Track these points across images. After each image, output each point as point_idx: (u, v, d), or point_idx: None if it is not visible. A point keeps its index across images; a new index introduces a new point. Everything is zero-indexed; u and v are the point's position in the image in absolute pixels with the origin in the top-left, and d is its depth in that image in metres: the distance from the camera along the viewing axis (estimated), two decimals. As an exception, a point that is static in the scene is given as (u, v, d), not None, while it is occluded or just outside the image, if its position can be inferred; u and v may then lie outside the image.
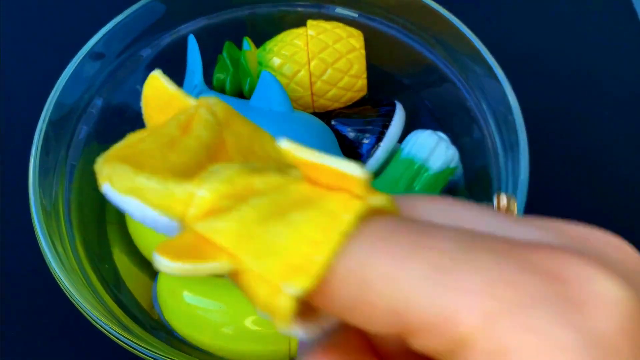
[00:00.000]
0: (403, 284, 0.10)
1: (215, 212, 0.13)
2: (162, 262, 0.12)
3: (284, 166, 0.14)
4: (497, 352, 0.10)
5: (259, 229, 0.12)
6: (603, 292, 0.10)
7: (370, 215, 0.11)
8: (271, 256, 0.11)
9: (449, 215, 0.12)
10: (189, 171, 0.14)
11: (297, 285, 0.11)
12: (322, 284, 0.11)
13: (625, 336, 0.10)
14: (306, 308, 0.12)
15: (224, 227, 0.12)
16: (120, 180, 0.14)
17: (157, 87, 0.17)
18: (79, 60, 0.39)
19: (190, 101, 0.17)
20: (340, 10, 0.44)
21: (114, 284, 0.37)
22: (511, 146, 0.36)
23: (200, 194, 0.13)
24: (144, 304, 0.37)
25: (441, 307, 0.10)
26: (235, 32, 0.44)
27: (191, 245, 0.12)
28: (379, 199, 0.12)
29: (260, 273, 0.11)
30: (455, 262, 0.10)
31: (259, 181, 0.13)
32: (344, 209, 0.11)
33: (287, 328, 0.11)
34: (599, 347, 0.09)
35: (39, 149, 0.36)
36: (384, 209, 0.12)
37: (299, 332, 0.12)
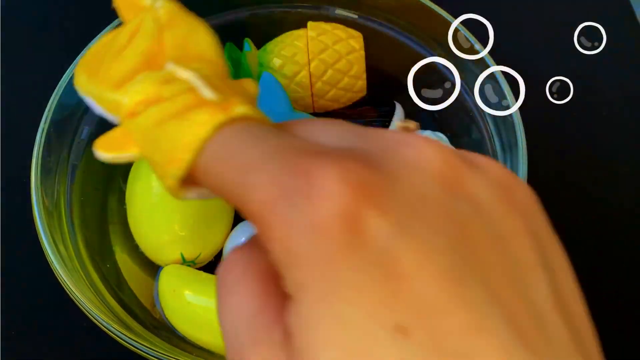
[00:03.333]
0: (230, 171, 0.14)
1: (133, 114, 0.17)
2: (96, 153, 0.18)
3: (210, 64, 0.19)
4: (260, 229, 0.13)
5: (155, 130, 0.17)
6: (319, 183, 0.13)
7: (231, 123, 0.15)
8: (159, 151, 0.16)
9: (326, 132, 0.16)
10: (126, 79, 0.18)
11: (173, 173, 0.16)
12: (193, 171, 0.15)
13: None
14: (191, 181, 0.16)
15: (134, 127, 0.17)
16: (81, 85, 0.20)
17: None
18: (81, 61, 0.39)
19: (146, 2, 0.21)
20: (340, 11, 0.44)
21: (115, 283, 0.37)
22: (510, 146, 0.36)
23: (124, 102, 0.18)
24: (145, 302, 0.37)
25: (245, 186, 0.14)
26: (236, 34, 0.44)
27: (118, 139, 0.18)
28: (240, 109, 0.16)
29: (155, 161, 0.17)
30: (267, 158, 0.14)
31: (165, 91, 0.17)
32: (210, 120, 0.15)
33: (177, 197, 0.16)
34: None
35: (41, 149, 0.36)
36: (250, 117, 0.16)
37: (186, 196, 0.16)
